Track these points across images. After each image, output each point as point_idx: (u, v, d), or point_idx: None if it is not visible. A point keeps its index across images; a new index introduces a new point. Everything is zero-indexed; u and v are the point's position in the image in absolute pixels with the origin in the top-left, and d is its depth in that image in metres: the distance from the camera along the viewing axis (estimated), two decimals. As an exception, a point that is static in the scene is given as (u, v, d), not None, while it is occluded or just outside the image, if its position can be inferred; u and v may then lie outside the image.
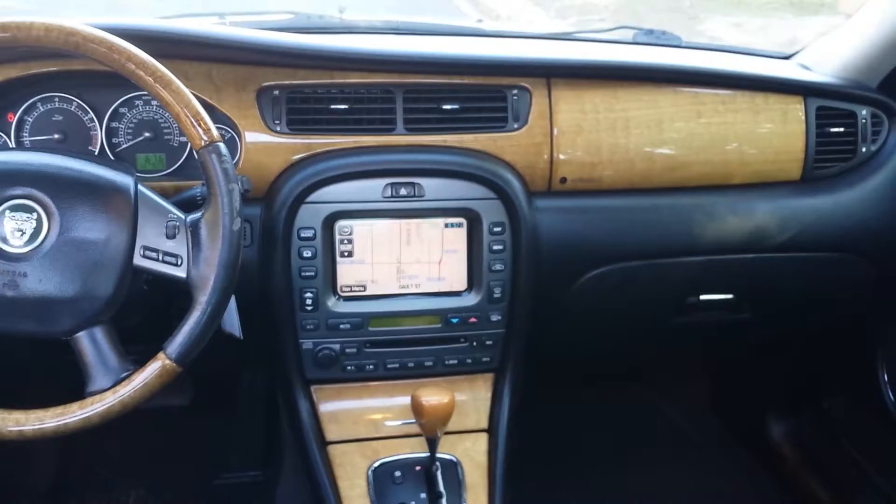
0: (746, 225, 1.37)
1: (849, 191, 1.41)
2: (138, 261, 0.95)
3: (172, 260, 0.96)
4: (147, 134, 1.23)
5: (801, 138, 1.38)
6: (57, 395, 0.96)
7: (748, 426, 2.01)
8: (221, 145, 0.96)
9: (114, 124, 1.22)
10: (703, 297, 1.43)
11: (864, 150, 1.42)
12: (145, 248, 0.95)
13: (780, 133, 1.37)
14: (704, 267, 1.38)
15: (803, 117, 1.38)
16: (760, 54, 1.63)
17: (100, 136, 1.22)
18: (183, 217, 0.97)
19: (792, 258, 1.40)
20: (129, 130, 1.23)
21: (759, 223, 1.37)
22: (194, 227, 0.96)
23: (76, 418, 0.93)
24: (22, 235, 0.93)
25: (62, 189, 0.94)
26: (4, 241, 0.92)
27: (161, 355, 0.94)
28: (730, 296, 1.44)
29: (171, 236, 0.96)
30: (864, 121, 1.41)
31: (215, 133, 0.96)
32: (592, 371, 2.03)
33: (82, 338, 0.94)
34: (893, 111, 1.42)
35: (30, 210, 0.93)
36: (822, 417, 1.81)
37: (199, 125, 0.94)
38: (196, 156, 0.96)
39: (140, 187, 0.97)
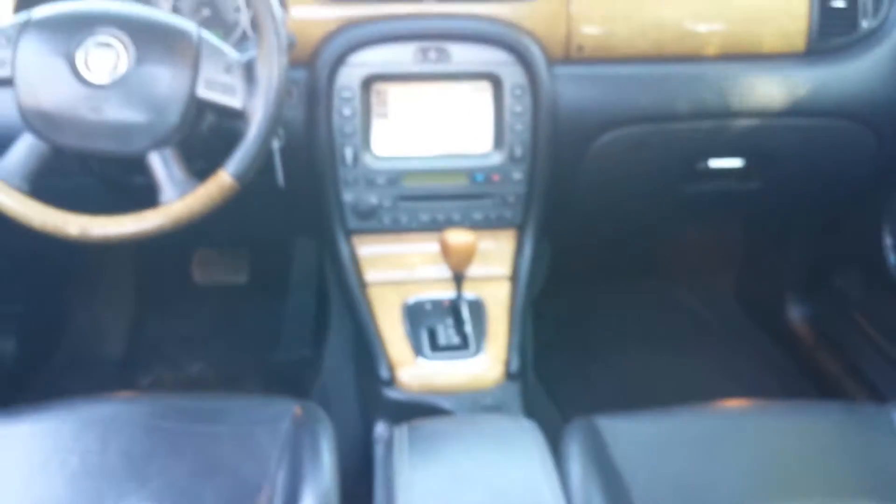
0: (752, 93, 1.47)
1: (850, 62, 1.50)
2: (201, 92, 1.11)
3: (230, 91, 1.11)
4: (206, 12, 1.39)
5: (805, 12, 1.47)
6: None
7: (767, 311, 2.12)
8: None
9: (178, 4, 1.38)
10: (711, 162, 1.54)
11: (864, 24, 1.50)
12: (206, 80, 1.11)
13: (786, 7, 1.47)
14: (712, 131, 1.49)
15: None
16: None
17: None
18: (238, 56, 1.13)
19: (796, 125, 1.50)
20: (192, 8, 1.39)
21: (765, 91, 1.48)
22: (248, 65, 1.12)
23: (151, 223, 1.09)
24: (105, 69, 1.09)
25: (139, 31, 1.09)
26: (90, 72, 1.09)
27: (221, 172, 1.10)
28: (738, 162, 1.55)
29: (228, 71, 1.12)
30: None
31: None
32: (612, 260, 2.14)
33: (154, 156, 1.10)
34: None
35: (112, 47, 1.09)
36: (835, 295, 1.91)
37: None
38: (248, 6, 1.12)
39: (202, 31, 1.13)
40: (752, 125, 1.50)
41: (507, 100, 1.40)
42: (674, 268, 2.30)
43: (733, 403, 1.25)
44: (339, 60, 1.35)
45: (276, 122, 1.11)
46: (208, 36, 1.13)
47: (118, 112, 1.09)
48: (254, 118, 1.11)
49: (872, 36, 1.51)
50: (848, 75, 1.50)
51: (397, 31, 1.36)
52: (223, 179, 1.10)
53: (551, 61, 1.42)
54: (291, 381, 2.00)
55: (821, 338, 1.97)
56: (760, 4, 1.47)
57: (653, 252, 2.18)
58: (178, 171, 1.11)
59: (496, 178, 1.44)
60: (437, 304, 1.39)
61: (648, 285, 2.29)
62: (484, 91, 1.41)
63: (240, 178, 1.11)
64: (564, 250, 1.86)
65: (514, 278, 1.46)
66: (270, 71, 1.10)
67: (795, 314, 2.04)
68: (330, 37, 1.36)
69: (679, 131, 1.49)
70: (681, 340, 2.16)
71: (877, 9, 1.51)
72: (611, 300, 2.24)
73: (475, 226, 1.45)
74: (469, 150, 1.43)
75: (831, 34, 1.50)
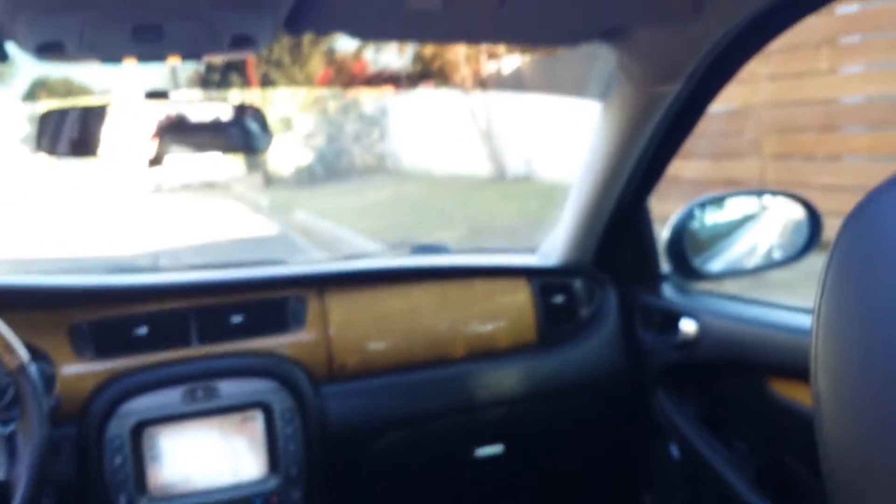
0: (499, 385, 1.67)
1: (578, 346, 1.74)
2: None
3: None
4: None
5: (531, 310, 1.72)
6: None
7: None
8: (30, 367, 1.17)
9: None
10: (479, 451, 1.68)
11: (583, 312, 1.77)
12: None
13: (514, 308, 1.71)
14: (472, 423, 1.65)
15: (529, 294, 1.73)
16: (512, 252, 2.01)
17: None
18: (0, 429, 1.16)
19: (543, 407, 1.70)
20: None
21: (509, 382, 1.68)
22: (10, 438, 1.15)
23: None
24: None
25: None
26: None
27: None
28: (500, 448, 1.70)
29: None
30: (578, 291, 1.78)
31: (24, 357, 1.17)
32: None
33: None
34: (601, 280, 1.80)
35: None
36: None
37: (9, 352, 1.16)
38: (9, 377, 1.17)
39: None
40: (504, 413, 1.67)
41: (278, 424, 1.49)
42: None
43: None
44: (108, 413, 1.40)
45: (38, 488, 1.14)
46: None
47: None
48: (17, 488, 1.13)
49: (592, 320, 1.77)
50: (577, 357, 1.74)
51: (163, 377, 1.45)
52: None
53: (317, 382, 1.55)
54: None
55: None
56: (493, 308, 1.71)
57: None
58: None
59: (274, 501, 1.49)
60: None
61: None
62: (255, 418, 1.50)
63: None
64: None
65: None
66: (32, 441, 1.14)
67: None
68: (98, 390, 1.42)
69: (443, 427, 1.64)
70: None
71: (591, 298, 1.79)
72: None
73: None
74: (245, 477, 1.49)
75: (556, 324, 1.75)
